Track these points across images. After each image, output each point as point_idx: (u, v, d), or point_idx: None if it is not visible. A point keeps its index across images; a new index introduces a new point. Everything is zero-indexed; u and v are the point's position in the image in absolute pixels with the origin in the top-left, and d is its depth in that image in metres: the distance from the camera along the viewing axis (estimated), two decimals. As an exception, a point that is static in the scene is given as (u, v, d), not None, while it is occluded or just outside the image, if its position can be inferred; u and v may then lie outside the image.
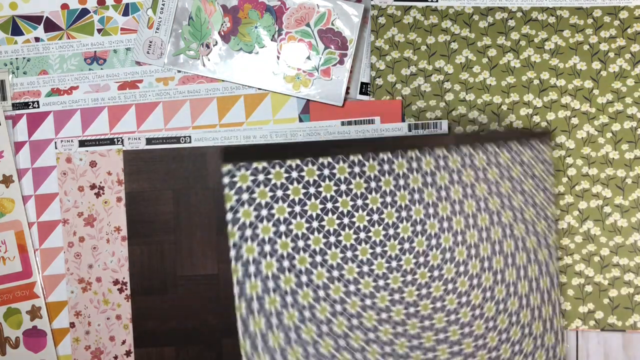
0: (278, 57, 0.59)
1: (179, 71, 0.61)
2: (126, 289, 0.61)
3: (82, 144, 0.61)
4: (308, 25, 0.59)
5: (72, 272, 0.61)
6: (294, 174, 0.49)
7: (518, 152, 0.56)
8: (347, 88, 0.60)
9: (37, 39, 0.61)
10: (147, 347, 0.61)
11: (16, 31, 0.61)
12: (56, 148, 0.61)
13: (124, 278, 0.61)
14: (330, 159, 0.50)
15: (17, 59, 0.61)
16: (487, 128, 0.60)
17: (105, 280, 0.61)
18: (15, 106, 0.61)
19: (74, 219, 0.61)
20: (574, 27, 0.60)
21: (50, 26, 0.61)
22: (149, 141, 0.61)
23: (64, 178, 0.61)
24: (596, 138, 0.59)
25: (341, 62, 0.59)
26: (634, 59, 0.60)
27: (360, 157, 0.51)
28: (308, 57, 0.59)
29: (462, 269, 0.54)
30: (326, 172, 0.50)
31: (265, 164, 0.49)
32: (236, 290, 0.48)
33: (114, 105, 0.61)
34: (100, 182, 0.61)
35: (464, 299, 0.53)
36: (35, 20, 0.61)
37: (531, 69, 0.60)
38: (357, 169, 0.51)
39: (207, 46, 0.60)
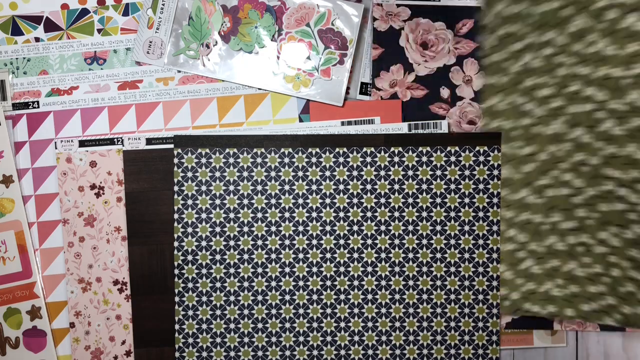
0: (278, 57, 0.59)
1: (179, 71, 0.61)
2: (126, 289, 0.61)
3: (82, 144, 0.61)
4: (308, 25, 0.59)
5: (72, 272, 0.61)
6: (231, 160, 0.60)
7: (456, 154, 0.59)
8: (347, 88, 0.61)
9: (37, 39, 0.61)
10: (147, 347, 0.61)
11: (16, 31, 0.61)
12: (56, 148, 0.61)
13: (124, 278, 0.61)
14: (263, 150, 0.60)
15: (17, 59, 0.61)
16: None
17: (105, 280, 0.61)
18: (15, 106, 0.61)
19: (74, 219, 0.61)
20: None
21: (50, 26, 0.61)
22: (149, 141, 0.61)
23: (64, 178, 0.61)
24: None
25: (341, 62, 0.59)
26: None
27: (291, 150, 0.60)
28: (308, 57, 0.59)
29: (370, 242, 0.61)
30: (259, 160, 0.60)
31: (207, 150, 0.60)
32: (176, 244, 0.60)
33: (114, 105, 0.61)
34: (100, 182, 0.61)
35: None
36: (35, 20, 0.61)
37: None
38: (286, 160, 0.60)
39: (207, 46, 0.60)
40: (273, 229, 0.60)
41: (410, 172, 0.59)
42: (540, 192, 0.56)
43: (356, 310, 0.60)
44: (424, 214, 0.59)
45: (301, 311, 0.60)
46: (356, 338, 0.59)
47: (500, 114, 0.56)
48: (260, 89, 0.61)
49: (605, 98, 0.54)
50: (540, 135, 0.56)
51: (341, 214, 0.60)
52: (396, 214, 0.60)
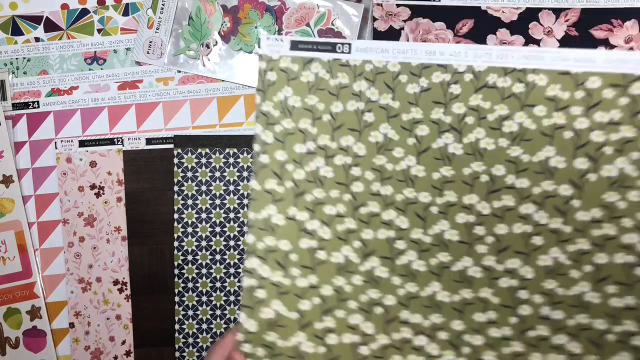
0: (278, 57, 0.59)
1: (179, 71, 0.61)
2: (126, 289, 0.61)
3: (82, 144, 0.61)
4: (308, 25, 0.59)
5: (72, 272, 0.61)
6: (231, 160, 0.62)
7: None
8: (347, 88, 0.61)
9: (37, 39, 0.61)
10: (147, 347, 0.61)
11: (16, 31, 0.61)
12: (56, 148, 0.61)
13: (124, 278, 0.61)
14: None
15: (17, 59, 0.61)
16: None
17: (105, 280, 0.61)
18: (15, 106, 0.61)
19: (74, 219, 0.61)
20: (552, 101, 0.45)
21: (50, 26, 0.61)
22: (149, 141, 0.61)
23: (64, 178, 0.61)
24: (568, 270, 0.46)
25: (341, 62, 0.59)
26: None
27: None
28: (308, 57, 0.59)
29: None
30: None
31: (207, 149, 0.61)
32: (176, 244, 0.61)
33: (114, 105, 0.61)
34: (100, 182, 0.61)
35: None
36: (35, 20, 0.61)
37: (479, 158, 0.47)
38: None
39: (207, 46, 0.60)
40: None
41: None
42: (323, 339, 0.48)
43: None
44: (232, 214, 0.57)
45: None
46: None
47: (273, 230, 0.48)
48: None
49: (407, 226, 0.48)
50: (325, 263, 0.48)
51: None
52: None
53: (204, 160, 0.60)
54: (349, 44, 0.49)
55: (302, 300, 0.48)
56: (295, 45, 0.49)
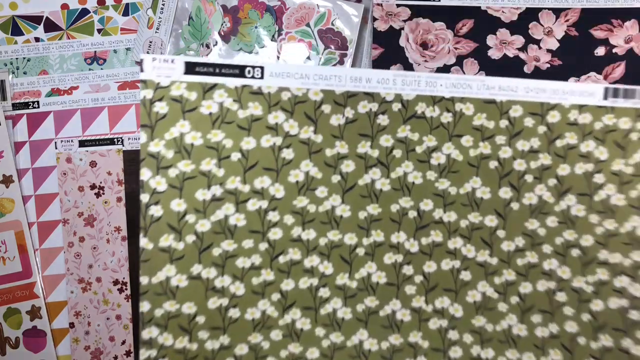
0: (278, 57, 0.59)
1: (179, 71, 0.61)
2: (126, 289, 0.61)
3: (82, 144, 0.61)
4: (308, 25, 0.59)
5: (72, 272, 0.61)
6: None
7: None
8: (347, 88, 0.61)
9: (37, 39, 0.61)
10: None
11: (16, 31, 0.61)
12: (56, 148, 0.61)
13: (124, 278, 0.61)
14: None
15: (17, 59, 0.61)
16: None
17: (105, 280, 0.61)
18: (15, 106, 0.61)
19: (74, 219, 0.61)
20: (478, 130, 0.45)
21: (50, 26, 0.61)
22: (149, 141, 0.61)
23: (64, 178, 0.61)
24: (496, 304, 0.45)
25: (341, 62, 0.59)
26: (561, 187, 0.46)
27: None
28: (308, 57, 0.59)
29: None
30: None
31: None
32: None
33: (114, 105, 0.61)
34: (100, 182, 0.61)
35: None
36: (35, 20, 0.61)
37: (407, 193, 0.45)
38: None
39: (207, 46, 0.60)
40: None
41: None
42: None
43: None
44: None
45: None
46: None
47: (173, 293, 0.43)
48: (260, 89, 0.61)
49: (331, 272, 0.45)
50: (239, 321, 0.44)
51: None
52: None
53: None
54: (261, 68, 0.42)
55: None
56: (191, 68, 0.42)
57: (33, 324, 0.61)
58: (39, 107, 0.61)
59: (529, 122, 0.46)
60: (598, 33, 0.60)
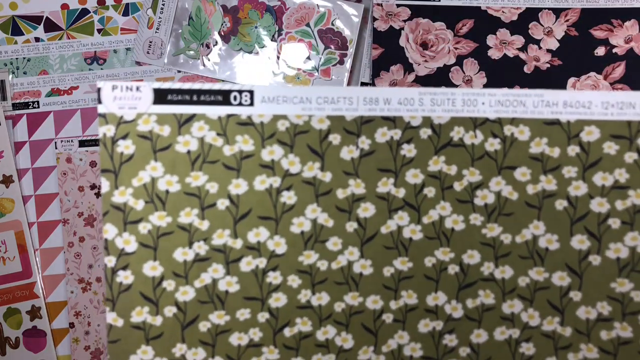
0: (278, 57, 0.59)
1: (179, 71, 0.61)
2: (126, 289, 0.61)
3: (82, 144, 0.61)
4: (308, 25, 0.59)
5: (72, 272, 0.61)
6: None
7: None
8: (347, 88, 0.61)
9: (37, 39, 0.61)
10: (147, 347, 0.61)
11: (16, 31, 0.61)
12: (56, 148, 0.61)
13: (124, 278, 0.61)
14: None
15: (17, 59, 0.61)
16: None
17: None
18: (15, 106, 0.61)
19: (74, 219, 0.61)
20: (538, 161, 0.36)
21: (50, 26, 0.61)
22: (149, 141, 0.61)
23: (64, 178, 0.61)
24: None
25: (341, 62, 0.59)
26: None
27: None
28: (308, 57, 0.59)
29: None
30: None
31: None
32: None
33: (114, 105, 0.61)
34: (100, 182, 0.61)
35: None
36: (35, 20, 0.61)
37: (445, 243, 0.36)
38: None
39: (207, 46, 0.60)
40: None
41: None
42: None
43: None
44: None
45: None
46: None
47: None
48: (260, 89, 0.61)
49: (351, 345, 0.35)
50: None
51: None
52: None
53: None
54: (250, 92, 0.33)
55: None
56: (161, 96, 0.33)
57: (33, 324, 0.61)
58: (39, 107, 0.61)
59: (610, 148, 0.35)
60: (598, 33, 0.60)
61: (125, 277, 0.34)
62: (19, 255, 0.60)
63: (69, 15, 0.61)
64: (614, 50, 0.59)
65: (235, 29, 0.60)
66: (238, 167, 0.34)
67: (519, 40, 0.60)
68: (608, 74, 0.59)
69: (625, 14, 0.59)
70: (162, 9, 0.60)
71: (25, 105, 0.61)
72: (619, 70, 0.59)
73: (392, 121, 0.35)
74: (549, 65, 0.60)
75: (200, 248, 0.34)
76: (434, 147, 0.35)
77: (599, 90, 0.36)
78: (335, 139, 0.35)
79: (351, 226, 0.35)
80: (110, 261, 0.33)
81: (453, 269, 0.35)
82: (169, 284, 0.34)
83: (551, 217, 0.35)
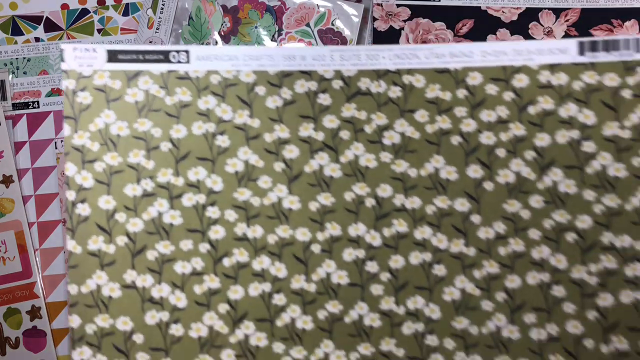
0: (278, 57, 0.60)
1: (179, 71, 0.61)
2: (126, 289, 0.61)
3: (82, 144, 0.61)
4: (308, 25, 0.59)
5: (72, 272, 0.61)
6: None
7: None
8: (347, 88, 0.61)
9: (37, 39, 0.61)
10: (147, 347, 0.61)
11: (16, 31, 0.61)
12: (56, 148, 0.61)
13: (124, 278, 0.61)
14: None
15: (17, 59, 0.61)
16: None
17: (105, 280, 0.61)
18: (15, 106, 0.61)
19: (74, 219, 0.61)
20: (433, 104, 0.41)
21: (50, 26, 0.61)
22: (149, 141, 0.61)
23: (64, 178, 0.61)
24: (479, 302, 0.40)
25: (341, 62, 0.59)
26: (542, 161, 0.40)
27: None
28: (308, 57, 0.59)
29: None
30: None
31: None
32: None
33: (114, 105, 0.61)
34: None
35: None
36: (35, 20, 0.61)
37: (361, 179, 0.41)
38: None
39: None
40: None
41: None
42: None
43: None
44: None
45: None
46: None
47: (105, 306, 0.39)
48: (260, 89, 0.61)
49: (285, 274, 0.41)
50: (183, 340, 0.39)
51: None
52: None
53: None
54: (186, 52, 0.40)
55: None
56: (113, 56, 0.40)
57: (33, 324, 0.61)
58: (39, 107, 0.61)
59: (491, 89, 0.40)
60: (598, 33, 0.60)
61: (83, 209, 0.39)
62: (19, 255, 0.60)
63: (69, 15, 0.61)
64: (614, 50, 0.59)
65: (235, 29, 0.60)
66: (178, 115, 0.40)
67: (519, 40, 0.60)
68: (608, 74, 0.59)
69: (625, 14, 0.59)
70: (162, 9, 0.60)
71: (25, 105, 0.61)
72: (619, 70, 0.59)
73: (308, 74, 0.40)
74: (549, 65, 0.60)
75: (147, 185, 0.39)
76: (346, 96, 0.40)
77: (477, 42, 0.42)
78: (260, 90, 0.40)
79: (279, 166, 0.40)
80: (71, 195, 0.39)
81: (370, 202, 0.40)
82: (120, 216, 0.39)
83: (449, 152, 0.40)
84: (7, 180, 0.61)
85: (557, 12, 0.60)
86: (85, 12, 0.61)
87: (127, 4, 0.61)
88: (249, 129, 0.40)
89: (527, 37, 0.60)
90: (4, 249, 0.60)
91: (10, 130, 0.61)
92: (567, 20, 0.60)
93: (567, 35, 0.60)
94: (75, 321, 0.38)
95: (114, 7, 0.61)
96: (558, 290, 0.40)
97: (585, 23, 0.60)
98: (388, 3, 0.61)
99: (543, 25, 0.60)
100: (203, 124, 0.40)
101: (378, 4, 0.61)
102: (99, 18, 0.61)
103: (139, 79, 0.40)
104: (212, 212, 0.39)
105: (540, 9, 0.60)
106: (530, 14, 0.60)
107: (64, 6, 0.61)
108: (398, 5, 0.61)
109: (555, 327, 0.39)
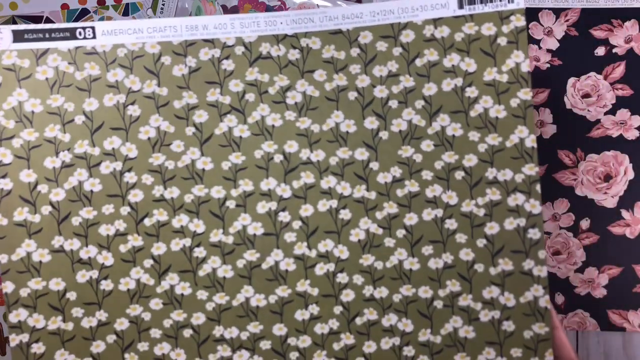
0: (278, 57, 0.59)
1: (179, 71, 0.61)
2: (126, 289, 0.61)
3: (82, 144, 0.61)
4: (308, 25, 0.59)
5: (73, 272, 0.61)
6: None
7: None
8: (347, 88, 0.61)
9: (37, 39, 0.61)
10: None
11: (16, 31, 0.61)
12: (56, 148, 0.61)
13: (124, 278, 0.61)
14: None
15: (17, 59, 0.61)
16: None
17: (106, 281, 0.61)
18: (16, 106, 0.61)
19: (74, 219, 0.61)
20: (330, 63, 0.44)
21: (50, 26, 0.61)
22: (149, 141, 0.61)
23: (64, 178, 0.61)
24: (382, 240, 0.44)
25: (341, 62, 0.59)
26: (431, 108, 0.44)
27: None
28: (308, 57, 0.59)
29: None
30: None
31: None
32: None
33: (114, 105, 0.61)
34: None
35: None
36: (35, 20, 0.61)
37: (269, 137, 0.43)
38: None
39: (207, 46, 0.60)
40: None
41: None
42: None
43: None
44: None
45: None
46: None
47: (37, 270, 0.42)
48: (260, 89, 0.61)
49: (204, 230, 0.44)
50: (113, 294, 0.43)
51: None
52: None
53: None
54: (92, 27, 0.42)
55: (95, 342, 0.42)
56: (19, 36, 0.41)
57: (33, 324, 0.61)
58: (39, 107, 0.61)
59: (381, 46, 0.43)
60: (598, 33, 0.60)
61: (5, 184, 0.41)
62: (19, 255, 0.60)
63: (69, 15, 0.61)
64: (614, 50, 0.59)
65: (235, 29, 0.60)
66: (89, 89, 0.42)
67: (519, 40, 0.60)
68: (608, 74, 0.59)
69: (625, 14, 0.59)
70: (162, 9, 0.60)
71: (26, 105, 0.61)
72: (619, 70, 0.59)
73: (211, 42, 0.43)
74: (549, 65, 0.60)
75: (65, 156, 0.41)
76: (248, 61, 0.43)
77: (366, 3, 0.44)
78: (166, 60, 0.43)
79: (190, 130, 0.43)
80: None
81: (278, 158, 0.43)
82: (43, 187, 0.41)
83: (347, 107, 0.43)
84: (7, 181, 0.61)
85: (557, 12, 0.60)
86: (85, 12, 0.61)
87: (127, 4, 0.61)
88: (158, 98, 0.42)
89: (527, 36, 0.60)
90: (4, 249, 0.60)
91: (11, 131, 0.61)
92: (567, 20, 0.60)
93: (566, 35, 0.60)
94: (9, 287, 0.41)
95: (114, 7, 0.61)
96: (451, 223, 0.43)
97: (585, 23, 0.60)
98: (388, 3, 0.61)
99: (543, 25, 0.60)
100: (114, 95, 0.42)
101: (378, 4, 0.61)
102: (99, 18, 0.61)
103: (48, 56, 0.41)
104: (130, 177, 0.42)
105: (540, 9, 0.60)
106: (530, 14, 0.60)
107: (64, 6, 0.61)
108: (398, 5, 0.61)
109: (450, 256, 0.44)
